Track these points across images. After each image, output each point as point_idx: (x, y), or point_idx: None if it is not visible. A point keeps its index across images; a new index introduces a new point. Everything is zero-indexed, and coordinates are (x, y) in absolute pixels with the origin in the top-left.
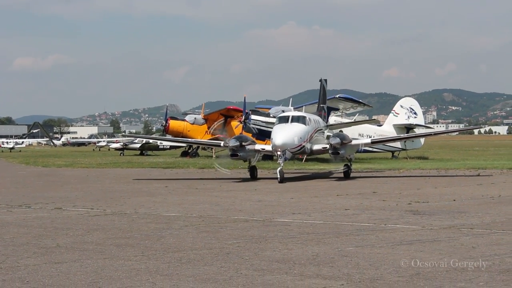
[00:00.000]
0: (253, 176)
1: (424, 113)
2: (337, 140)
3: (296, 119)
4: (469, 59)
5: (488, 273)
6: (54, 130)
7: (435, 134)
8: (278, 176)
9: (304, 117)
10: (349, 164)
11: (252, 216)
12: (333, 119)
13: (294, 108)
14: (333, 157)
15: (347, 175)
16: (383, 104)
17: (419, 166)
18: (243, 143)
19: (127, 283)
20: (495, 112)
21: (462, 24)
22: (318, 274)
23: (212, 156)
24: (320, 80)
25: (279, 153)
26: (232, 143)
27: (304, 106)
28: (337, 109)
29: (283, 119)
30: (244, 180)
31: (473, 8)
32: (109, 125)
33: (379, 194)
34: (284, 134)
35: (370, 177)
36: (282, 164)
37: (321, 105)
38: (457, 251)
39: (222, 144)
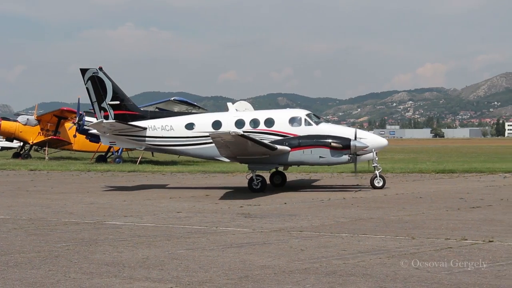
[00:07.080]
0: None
1: None
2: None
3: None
4: (305, 65)
5: (315, 275)
6: None
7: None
8: (382, 182)
9: None
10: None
11: (83, 219)
12: None
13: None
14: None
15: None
16: (218, 107)
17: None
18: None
19: None
20: (328, 117)
21: (299, 30)
22: (147, 277)
23: (45, 158)
24: (94, 72)
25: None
26: (360, 144)
27: (146, 107)
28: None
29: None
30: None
31: (309, 15)
32: None
33: (212, 197)
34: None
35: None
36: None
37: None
38: (286, 254)
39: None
